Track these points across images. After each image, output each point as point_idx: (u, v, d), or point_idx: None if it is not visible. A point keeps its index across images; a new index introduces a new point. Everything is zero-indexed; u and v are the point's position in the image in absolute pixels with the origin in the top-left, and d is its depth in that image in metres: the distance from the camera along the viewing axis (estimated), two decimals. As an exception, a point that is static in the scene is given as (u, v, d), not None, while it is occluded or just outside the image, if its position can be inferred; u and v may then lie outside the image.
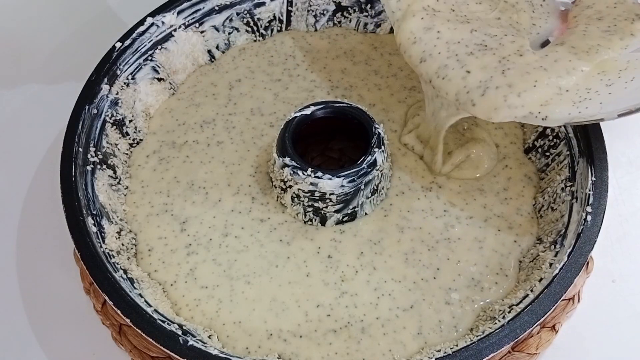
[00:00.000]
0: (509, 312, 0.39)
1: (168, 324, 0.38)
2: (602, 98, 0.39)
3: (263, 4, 0.55)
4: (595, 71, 0.41)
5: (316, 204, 0.44)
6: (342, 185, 0.43)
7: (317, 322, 0.41)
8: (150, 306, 0.40)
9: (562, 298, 0.38)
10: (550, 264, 0.41)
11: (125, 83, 0.49)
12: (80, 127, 0.46)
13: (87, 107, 0.46)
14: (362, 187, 0.44)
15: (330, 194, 0.43)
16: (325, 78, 0.53)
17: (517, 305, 0.40)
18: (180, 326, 0.40)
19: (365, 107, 0.46)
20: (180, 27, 0.52)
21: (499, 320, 0.39)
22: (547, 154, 0.47)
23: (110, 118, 0.48)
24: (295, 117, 0.46)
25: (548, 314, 0.38)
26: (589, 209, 0.41)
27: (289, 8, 0.56)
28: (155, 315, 0.39)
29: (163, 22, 0.51)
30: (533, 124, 0.47)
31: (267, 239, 0.45)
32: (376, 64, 0.54)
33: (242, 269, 0.44)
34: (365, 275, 0.43)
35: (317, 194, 0.44)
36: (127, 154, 0.49)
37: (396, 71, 0.53)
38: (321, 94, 0.52)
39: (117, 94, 0.49)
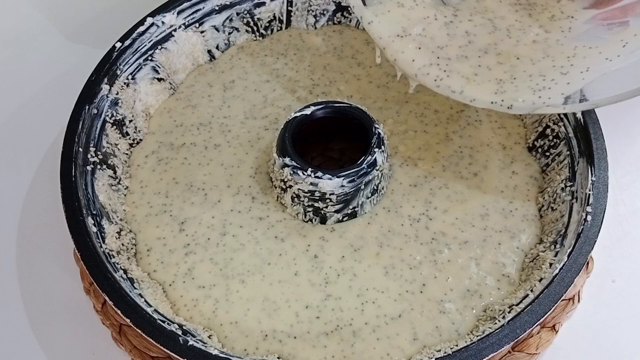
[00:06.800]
0: (509, 312, 0.39)
1: (168, 324, 0.38)
2: (561, 88, 0.40)
3: (263, 4, 0.55)
4: (539, 54, 0.41)
5: (316, 204, 0.44)
6: (342, 185, 0.43)
7: (308, 324, 0.41)
8: (150, 306, 0.40)
9: (562, 298, 0.38)
10: (550, 264, 0.41)
11: (125, 83, 0.49)
12: (80, 127, 0.46)
13: (87, 107, 0.46)
14: (362, 187, 0.44)
15: (330, 194, 0.43)
16: (307, 76, 0.53)
17: (517, 305, 0.40)
18: (180, 326, 0.39)
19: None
20: (180, 27, 0.52)
21: (499, 320, 0.39)
22: (547, 154, 0.47)
23: (110, 118, 0.48)
24: (295, 117, 0.46)
25: (548, 314, 0.38)
26: (589, 209, 0.41)
27: (289, 8, 0.56)
28: (155, 315, 0.39)
29: (163, 22, 0.51)
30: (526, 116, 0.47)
31: (264, 236, 0.45)
32: (362, 56, 0.54)
33: (237, 267, 0.43)
34: (346, 280, 0.43)
35: (317, 194, 0.44)
36: (127, 154, 0.49)
37: (382, 61, 0.53)
38: (304, 93, 0.52)
39: (117, 94, 0.49)
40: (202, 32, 0.54)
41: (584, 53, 0.41)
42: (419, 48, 0.43)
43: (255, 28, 0.56)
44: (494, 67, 0.41)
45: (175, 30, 0.52)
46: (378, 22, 0.44)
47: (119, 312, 0.38)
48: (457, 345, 0.39)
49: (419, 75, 0.43)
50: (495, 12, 0.44)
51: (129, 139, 0.49)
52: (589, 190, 0.42)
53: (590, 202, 0.41)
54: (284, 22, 0.56)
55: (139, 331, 0.38)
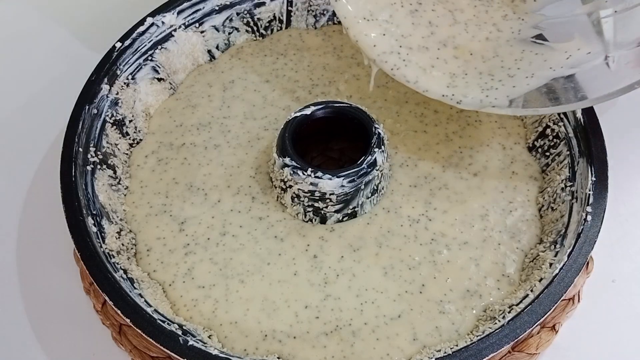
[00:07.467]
0: (509, 312, 0.39)
1: (168, 324, 0.38)
2: (507, 91, 0.40)
3: (263, 4, 0.55)
4: (490, 53, 0.42)
5: (316, 204, 0.44)
6: (342, 185, 0.43)
7: (307, 324, 0.41)
8: (150, 306, 0.40)
9: (562, 298, 0.38)
10: (550, 264, 0.41)
11: (125, 83, 0.49)
12: (80, 127, 0.46)
13: (87, 107, 0.46)
14: (362, 187, 0.44)
15: (330, 194, 0.43)
16: (307, 77, 0.53)
17: (517, 305, 0.40)
18: (180, 326, 0.40)
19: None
20: (180, 27, 0.52)
21: (499, 320, 0.39)
22: (547, 154, 0.47)
23: (110, 118, 0.48)
24: (296, 117, 0.46)
25: (548, 314, 0.38)
26: (589, 209, 0.41)
27: (289, 8, 0.56)
28: (155, 315, 0.39)
29: (163, 22, 0.51)
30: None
31: (263, 236, 0.45)
32: (362, 57, 0.54)
33: (237, 267, 0.43)
34: (346, 281, 0.43)
35: (317, 194, 0.44)
36: (127, 154, 0.49)
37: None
38: (303, 94, 0.52)
39: (117, 94, 0.49)
40: (202, 32, 0.54)
41: (530, 58, 0.42)
42: (384, 35, 0.44)
43: (255, 28, 0.56)
44: (450, 61, 0.42)
45: (175, 30, 0.52)
46: (345, 1, 0.44)
47: (119, 312, 0.38)
48: (457, 345, 0.39)
49: (377, 61, 0.44)
50: (455, 4, 0.45)
51: (129, 139, 0.49)
52: (589, 190, 0.42)
53: (590, 202, 0.41)
54: (284, 22, 0.56)
55: (139, 331, 0.38)
